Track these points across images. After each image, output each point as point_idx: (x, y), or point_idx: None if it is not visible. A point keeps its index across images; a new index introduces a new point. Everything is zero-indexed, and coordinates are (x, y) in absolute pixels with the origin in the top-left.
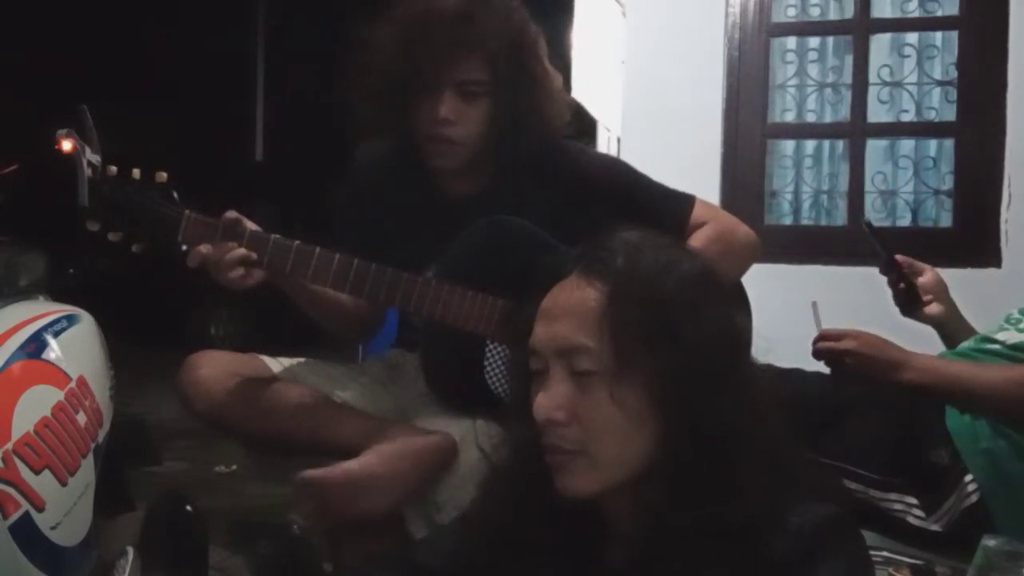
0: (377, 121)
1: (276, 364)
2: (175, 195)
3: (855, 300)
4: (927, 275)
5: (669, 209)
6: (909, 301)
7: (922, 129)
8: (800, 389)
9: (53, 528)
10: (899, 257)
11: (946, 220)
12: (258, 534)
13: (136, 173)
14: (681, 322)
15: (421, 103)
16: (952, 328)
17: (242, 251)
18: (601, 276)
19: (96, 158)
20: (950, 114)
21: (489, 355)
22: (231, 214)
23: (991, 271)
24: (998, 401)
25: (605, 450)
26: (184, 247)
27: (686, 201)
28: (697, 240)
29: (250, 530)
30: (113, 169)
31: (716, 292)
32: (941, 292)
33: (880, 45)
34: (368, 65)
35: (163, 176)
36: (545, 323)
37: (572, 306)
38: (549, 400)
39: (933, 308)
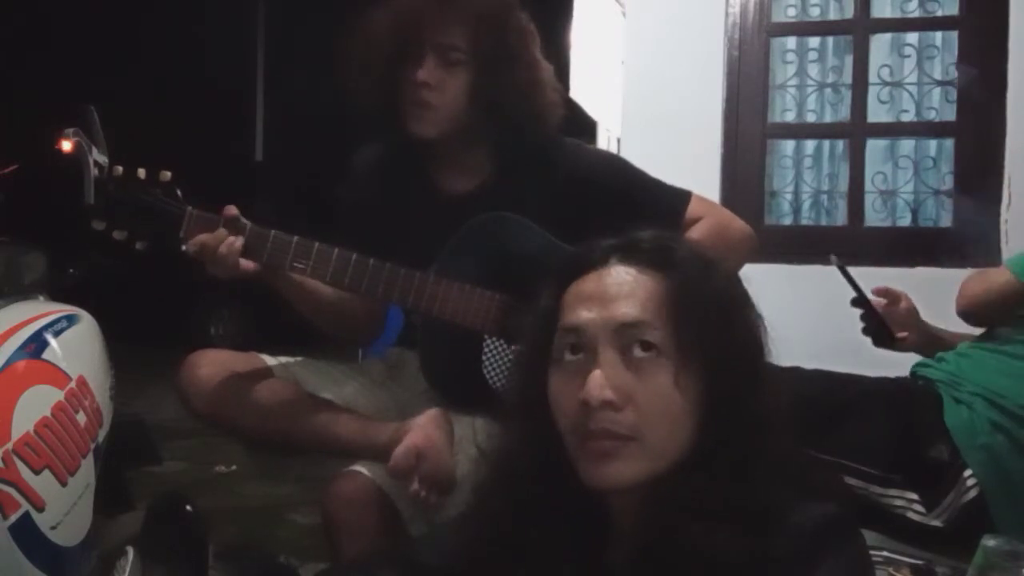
0: (367, 96)
1: (275, 363)
2: (179, 193)
3: None
4: (903, 303)
5: (666, 204)
6: (881, 336)
7: (922, 129)
8: (800, 388)
9: (53, 528)
10: (876, 288)
11: (946, 220)
12: (243, 561)
13: (141, 173)
14: (741, 312)
15: (406, 71)
16: (930, 351)
17: (239, 241)
18: (656, 264)
19: (103, 158)
20: (950, 114)
21: (487, 350)
22: (231, 208)
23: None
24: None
25: (660, 437)
26: (184, 247)
27: (683, 196)
28: (694, 235)
29: (236, 556)
30: (119, 169)
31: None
32: (913, 320)
33: (880, 45)
34: (359, 40)
35: (167, 175)
36: (597, 305)
37: (631, 289)
38: (604, 380)
39: (907, 340)
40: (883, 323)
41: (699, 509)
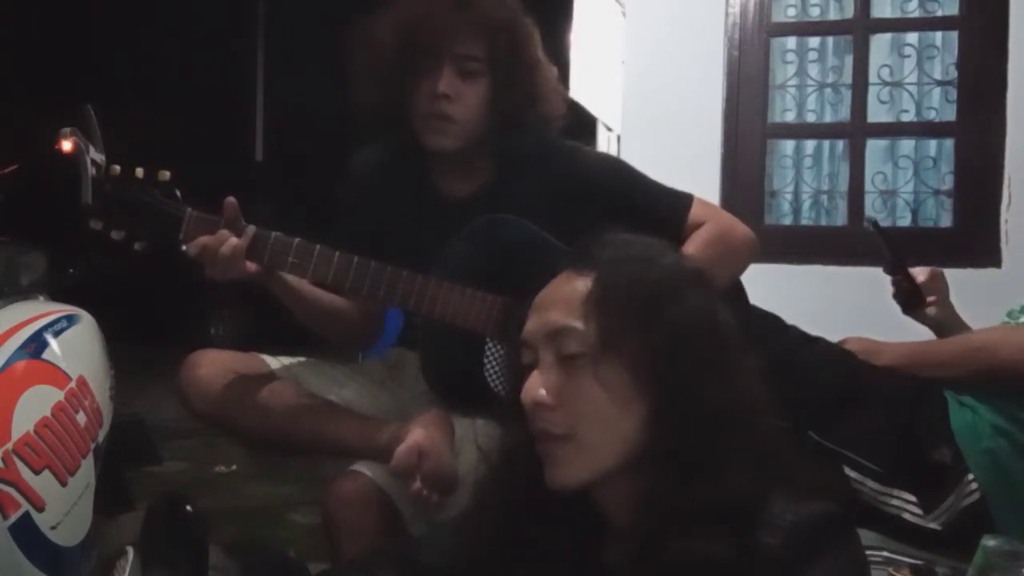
0: (377, 106)
1: (276, 364)
2: (178, 193)
3: (855, 300)
4: (934, 277)
5: (667, 208)
6: (912, 300)
7: (922, 129)
8: (818, 364)
9: (53, 528)
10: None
11: (946, 220)
12: (253, 558)
13: (139, 172)
14: (665, 306)
15: (420, 82)
16: (949, 330)
17: (242, 242)
18: (589, 266)
19: (100, 157)
20: (950, 114)
21: (488, 353)
22: (230, 199)
23: (991, 271)
24: (955, 368)
25: (592, 434)
26: (184, 247)
27: (684, 200)
28: (696, 241)
29: (246, 553)
30: (116, 168)
31: (701, 285)
32: (943, 294)
33: (880, 45)
34: (368, 50)
35: (166, 175)
36: (536, 314)
37: (561, 295)
38: (536, 383)
39: (933, 309)
40: (915, 286)
41: (674, 508)
